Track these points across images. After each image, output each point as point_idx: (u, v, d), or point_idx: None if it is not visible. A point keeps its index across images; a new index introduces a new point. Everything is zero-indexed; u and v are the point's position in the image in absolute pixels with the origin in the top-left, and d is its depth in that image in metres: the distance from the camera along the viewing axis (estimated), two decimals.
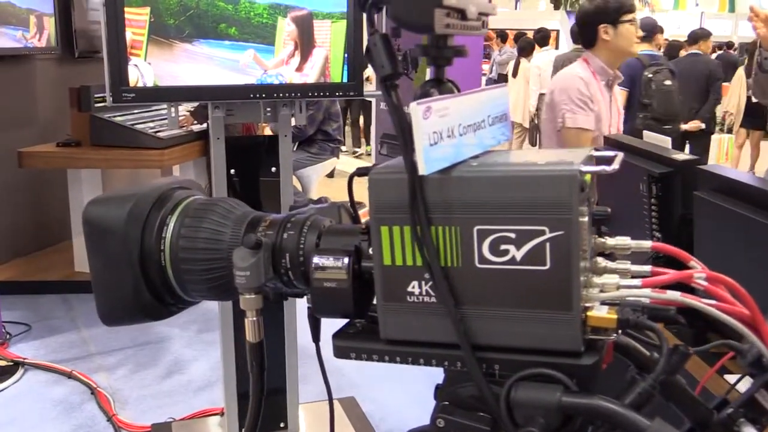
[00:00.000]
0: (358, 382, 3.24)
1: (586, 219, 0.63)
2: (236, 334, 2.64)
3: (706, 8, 20.00)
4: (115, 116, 4.03)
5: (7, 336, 3.65)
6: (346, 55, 2.39)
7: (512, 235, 0.63)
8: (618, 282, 0.66)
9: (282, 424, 2.77)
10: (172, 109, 2.46)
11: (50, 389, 3.26)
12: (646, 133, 2.44)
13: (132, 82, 2.26)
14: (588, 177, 0.65)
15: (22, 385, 3.31)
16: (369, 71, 2.66)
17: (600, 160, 0.70)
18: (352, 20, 2.37)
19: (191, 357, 3.60)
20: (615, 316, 0.64)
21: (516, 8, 17.60)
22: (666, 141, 2.27)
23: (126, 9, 2.21)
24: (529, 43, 8.26)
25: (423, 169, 0.62)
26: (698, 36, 6.84)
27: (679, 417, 0.78)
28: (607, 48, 3.08)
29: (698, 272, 0.65)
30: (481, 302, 0.66)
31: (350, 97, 2.56)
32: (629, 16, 3.08)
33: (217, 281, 0.78)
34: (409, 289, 0.68)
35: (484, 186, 0.64)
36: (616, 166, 0.66)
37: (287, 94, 2.43)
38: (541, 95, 6.81)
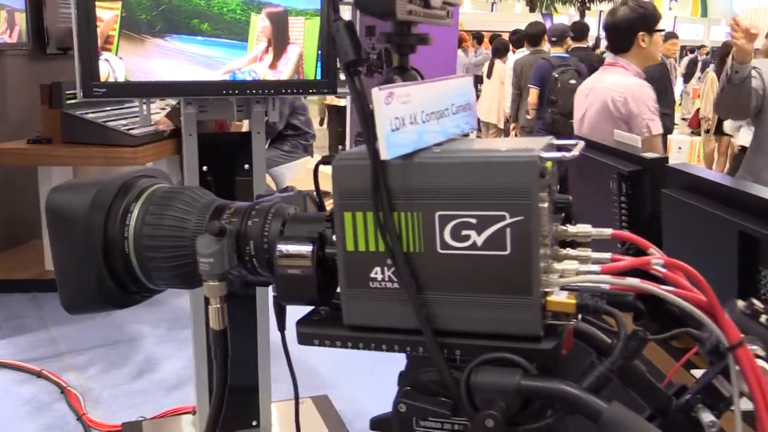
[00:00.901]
0: (331, 380, 3.24)
1: (546, 205, 0.64)
2: (207, 333, 2.62)
3: (679, 12, 20.28)
4: (87, 113, 3.99)
5: None
6: (319, 52, 2.38)
7: (473, 221, 0.64)
8: (578, 268, 0.67)
9: (254, 422, 2.75)
10: (144, 106, 2.44)
11: (19, 388, 3.22)
12: (617, 132, 2.47)
13: (103, 77, 2.24)
14: (549, 164, 0.66)
15: None
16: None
17: (561, 149, 0.71)
18: (326, 17, 2.37)
19: (163, 355, 3.57)
20: (574, 301, 0.65)
21: (492, 10, 17.73)
22: (636, 140, 2.29)
23: (98, 3, 2.19)
24: (503, 44, 8.31)
25: (385, 155, 0.62)
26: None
27: (641, 404, 0.79)
28: (641, 54, 3.22)
29: (656, 258, 0.66)
30: (443, 288, 0.66)
31: (324, 93, 2.56)
32: (660, 26, 3.27)
33: (182, 269, 0.77)
34: (372, 275, 0.68)
35: (446, 172, 0.64)
36: (576, 152, 0.67)
37: (260, 91, 2.42)
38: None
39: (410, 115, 0.64)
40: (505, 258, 0.64)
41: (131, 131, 3.97)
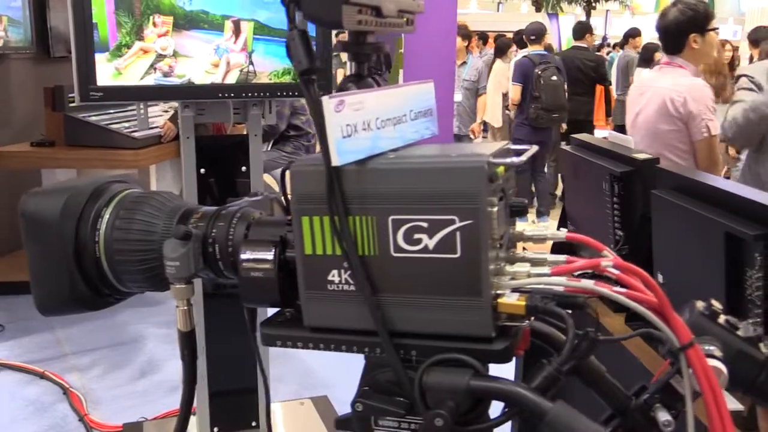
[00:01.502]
0: (331, 381, 3.25)
1: (495, 209, 0.65)
2: (207, 333, 2.64)
3: None
4: (89, 116, 4.03)
5: None
6: None
7: (425, 225, 0.66)
8: (529, 270, 0.68)
9: (254, 423, 2.77)
10: (142, 109, 2.47)
11: (22, 390, 3.25)
12: (610, 133, 2.48)
13: None
14: (501, 169, 0.68)
15: None
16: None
17: (517, 153, 0.72)
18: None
19: (165, 357, 3.59)
20: (524, 303, 0.66)
21: (498, 11, 17.71)
22: (629, 141, 2.30)
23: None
24: (506, 44, 8.28)
25: (336, 161, 0.64)
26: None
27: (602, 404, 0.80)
28: (695, 55, 3.24)
29: (606, 260, 0.68)
30: (398, 290, 0.68)
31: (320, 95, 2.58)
32: (714, 25, 3.28)
33: (151, 272, 0.80)
34: (330, 277, 0.70)
35: (398, 177, 0.66)
36: (523, 158, 0.69)
37: (256, 94, 2.44)
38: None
39: (363, 122, 0.66)
40: (456, 261, 0.65)
41: (133, 134, 4.00)
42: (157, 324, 3.90)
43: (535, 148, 0.72)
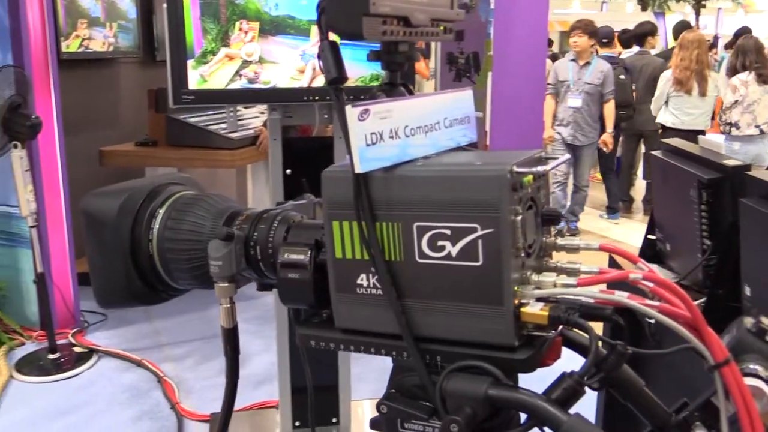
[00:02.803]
0: None
1: (519, 218, 0.65)
2: (290, 330, 2.71)
3: (722, 3, 19.01)
4: (189, 117, 4.20)
5: (85, 324, 3.86)
6: None
7: (448, 232, 0.66)
8: (555, 280, 0.67)
9: (334, 419, 2.83)
10: (231, 112, 2.56)
11: (121, 376, 3.43)
12: (701, 138, 2.38)
13: None
14: (529, 178, 0.67)
15: (95, 370, 3.49)
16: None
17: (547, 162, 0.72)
18: None
19: (254, 351, 3.71)
20: (546, 313, 0.66)
21: (602, 10, 17.23)
22: (720, 146, 2.21)
23: None
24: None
25: (358, 168, 0.65)
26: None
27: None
28: None
29: (635, 273, 0.66)
30: (423, 295, 0.69)
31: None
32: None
33: (199, 270, 0.83)
34: (359, 281, 0.71)
35: (422, 184, 0.67)
36: (548, 168, 0.68)
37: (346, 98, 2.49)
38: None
39: (390, 130, 0.67)
40: (478, 269, 0.66)
41: (230, 134, 4.14)
42: (249, 319, 4.02)
43: (566, 157, 0.71)
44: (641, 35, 6.96)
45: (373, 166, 0.66)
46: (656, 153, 2.38)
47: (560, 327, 0.69)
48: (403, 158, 0.69)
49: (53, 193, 3.70)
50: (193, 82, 2.40)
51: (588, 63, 6.02)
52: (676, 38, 6.54)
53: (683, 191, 2.09)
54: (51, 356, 3.44)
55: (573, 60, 6.07)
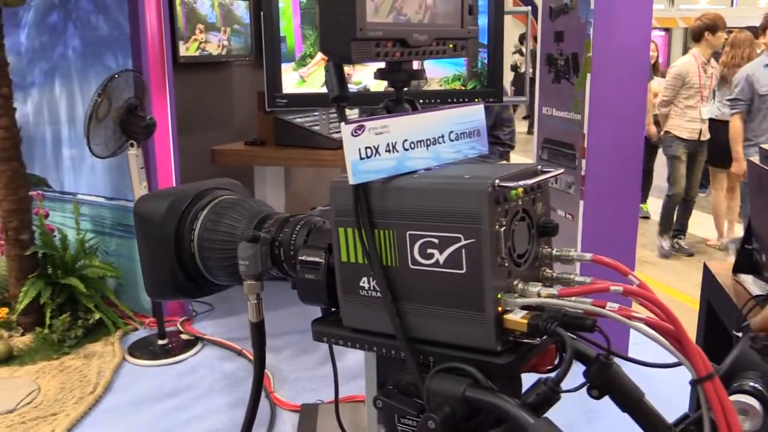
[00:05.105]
0: None
1: (503, 229, 0.69)
2: None
3: None
4: (296, 118, 4.35)
5: (193, 314, 4.09)
6: (486, 62, 2.45)
7: (436, 241, 0.71)
8: (539, 290, 0.70)
9: None
10: (323, 115, 2.67)
11: (221, 364, 3.62)
12: None
13: None
14: (519, 191, 0.71)
15: (199, 357, 3.70)
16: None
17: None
18: (494, 31, 2.43)
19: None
20: (526, 321, 0.69)
21: (732, 5, 16.34)
22: None
23: None
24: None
25: (351, 179, 0.71)
26: None
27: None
28: None
29: (615, 286, 0.68)
30: (416, 299, 0.73)
31: (490, 102, 2.63)
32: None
33: (232, 268, 0.91)
34: (361, 283, 0.77)
35: (413, 195, 0.71)
36: (532, 181, 0.71)
37: (428, 101, 2.55)
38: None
39: (387, 144, 0.72)
40: (462, 276, 0.70)
41: (333, 135, 4.27)
42: None
43: (560, 171, 0.74)
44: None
45: (367, 178, 0.71)
46: (753, 159, 2.29)
47: (544, 336, 0.71)
48: (402, 170, 0.74)
49: None
50: (294, 83, 2.51)
51: None
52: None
53: None
54: (160, 342, 3.68)
55: None
